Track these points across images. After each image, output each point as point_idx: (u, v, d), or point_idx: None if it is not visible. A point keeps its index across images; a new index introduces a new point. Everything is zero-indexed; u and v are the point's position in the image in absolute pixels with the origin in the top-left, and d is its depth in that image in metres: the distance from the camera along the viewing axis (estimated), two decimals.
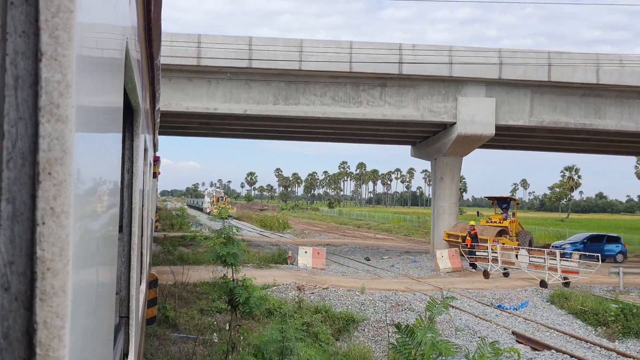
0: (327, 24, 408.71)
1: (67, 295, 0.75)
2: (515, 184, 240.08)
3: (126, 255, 3.03)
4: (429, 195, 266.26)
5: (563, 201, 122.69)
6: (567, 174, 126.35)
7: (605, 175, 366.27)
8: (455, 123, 25.78)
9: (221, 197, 76.81)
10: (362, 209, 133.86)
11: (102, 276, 1.21)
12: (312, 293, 16.38)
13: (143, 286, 5.11)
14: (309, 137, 34.33)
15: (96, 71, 1.01)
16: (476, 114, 25.40)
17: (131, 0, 1.84)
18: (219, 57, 24.58)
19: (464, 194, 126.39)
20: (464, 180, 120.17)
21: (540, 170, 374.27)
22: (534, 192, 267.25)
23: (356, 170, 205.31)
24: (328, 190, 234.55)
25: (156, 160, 13.00)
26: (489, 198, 32.94)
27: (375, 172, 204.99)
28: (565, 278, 19.35)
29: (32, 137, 0.73)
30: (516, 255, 23.61)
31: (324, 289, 16.67)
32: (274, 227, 62.32)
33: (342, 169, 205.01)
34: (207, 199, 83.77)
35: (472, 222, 24.68)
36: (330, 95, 25.63)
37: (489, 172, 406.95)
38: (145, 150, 4.41)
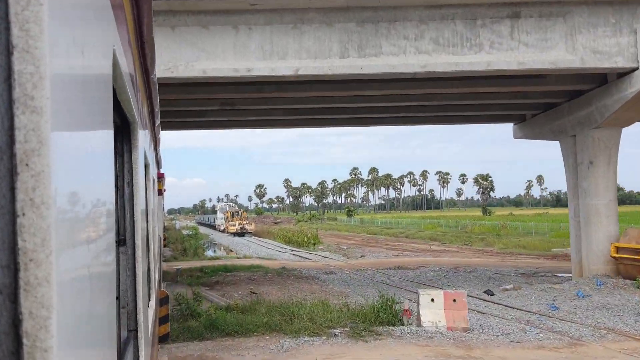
0: None
1: (51, 285, 0.74)
2: (529, 180, 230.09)
3: (131, 269, 2.87)
4: (441, 197, 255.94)
5: None
6: None
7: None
8: (635, 69, 15.78)
9: (236, 212, 66.63)
10: (383, 216, 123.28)
11: (94, 270, 1.15)
12: None
13: (153, 302, 4.83)
14: (389, 118, 23.20)
15: (76, 67, 1.00)
16: None
17: (120, 10, 1.87)
18: None
19: (490, 193, 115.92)
20: (490, 178, 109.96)
21: (554, 167, 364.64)
22: (546, 188, 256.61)
23: (368, 176, 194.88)
24: (336, 199, 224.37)
25: (160, 177, 10.27)
26: None
27: (388, 176, 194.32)
28: None
29: (9, 130, 0.73)
30: None
31: None
32: (303, 244, 52.25)
33: (353, 175, 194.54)
34: (219, 215, 73.63)
35: None
36: (430, 37, 15.67)
37: (497, 169, 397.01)
38: (147, 165, 4.40)
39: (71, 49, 0.95)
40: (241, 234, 61.63)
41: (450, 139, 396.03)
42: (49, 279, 0.74)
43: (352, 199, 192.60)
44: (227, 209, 70.77)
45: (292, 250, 41.93)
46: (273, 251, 41.42)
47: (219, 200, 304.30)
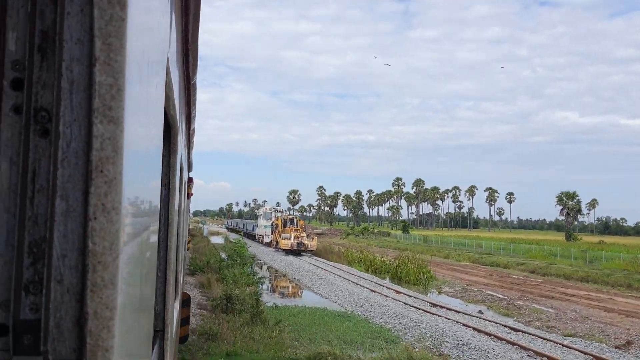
0: (355, 45, 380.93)
1: (116, 287, 0.76)
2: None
3: (162, 270, 2.84)
4: (477, 216, 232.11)
5: None
6: None
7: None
8: None
9: (290, 219, 46.05)
10: (451, 234, 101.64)
11: (145, 274, 1.17)
12: None
13: (177, 303, 4.74)
14: None
15: (143, 78, 1.03)
16: None
17: (172, 19, 1.86)
18: None
19: (578, 215, 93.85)
20: (577, 197, 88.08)
21: (601, 190, 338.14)
22: (588, 213, 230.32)
23: (412, 188, 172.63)
24: (366, 211, 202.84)
25: (190, 181, 10.68)
26: None
27: (435, 189, 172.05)
28: None
29: (86, 138, 0.75)
30: None
31: None
32: (410, 279, 31.68)
33: (396, 186, 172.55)
34: (263, 222, 52.95)
35: None
36: None
37: (529, 190, 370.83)
38: (181, 168, 4.38)
39: (141, 61, 0.96)
40: (297, 251, 41.18)
41: (478, 158, 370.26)
42: (114, 281, 0.75)
43: (395, 212, 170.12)
44: (273, 214, 50.29)
45: (420, 300, 21.16)
46: (389, 301, 20.80)
47: (245, 204, 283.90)
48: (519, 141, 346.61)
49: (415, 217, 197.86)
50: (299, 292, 25.20)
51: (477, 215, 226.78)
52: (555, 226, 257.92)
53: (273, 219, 47.75)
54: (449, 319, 17.05)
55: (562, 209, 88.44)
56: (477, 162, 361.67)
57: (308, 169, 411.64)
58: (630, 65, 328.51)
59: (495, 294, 25.59)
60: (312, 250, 41.66)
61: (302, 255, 41.12)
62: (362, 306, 19.99)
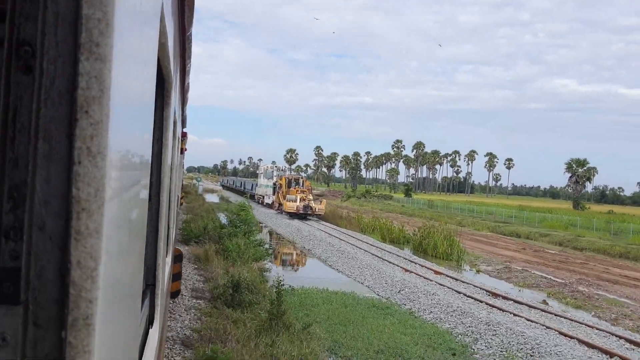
0: (355, 5, 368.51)
1: (100, 236, 0.72)
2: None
3: (154, 225, 2.72)
4: (474, 181, 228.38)
5: None
6: None
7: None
8: None
9: (295, 179, 41.40)
10: (456, 199, 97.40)
11: (132, 223, 1.08)
12: None
13: (168, 258, 4.55)
14: None
15: (135, 16, 0.94)
16: None
17: None
18: None
19: (587, 183, 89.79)
20: (587, 165, 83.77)
21: (601, 159, 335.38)
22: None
23: (412, 151, 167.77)
24: (364, 173, 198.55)
25: (183, 136, 10.13)
26: None
27: (436, 153, 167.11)
28: None
29: (71, 76, 0.70)
30: None
31: None
32: (435, 253, 27.51)
33: (395, 149, 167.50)
34: (263, 181, 48.30)
35: None
36: None
37: (525, 157, 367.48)
38: (175, 122, 4.13)
39: None
40: (303, 215, 36.77)
41: (476, 123, 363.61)
42: (99, 229, 0.71)
43: (395, 175, 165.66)
44: (277, 172, 45.56)
45: (471, 286, 16.77)
46: (433, 286, 16.46)
47: (240, 162, 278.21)
48: (515, 107, 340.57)
49: (412, 180, 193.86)
50: (315, 267, 20.86)
51: (473, 181, 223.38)
52: (551, 193, 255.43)
53: (275, 179, 43.16)
54: (530, 320, 12.70)
55: (570, 177, 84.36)
56: (474, 127, 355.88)
57: (305, 129, 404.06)
58: (631, 34, 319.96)
59: (545, 275, 21.41)
60: (320, 215, 37.28)
61: (309, 219, 36.76)
62: (401, 292, 15.69)
